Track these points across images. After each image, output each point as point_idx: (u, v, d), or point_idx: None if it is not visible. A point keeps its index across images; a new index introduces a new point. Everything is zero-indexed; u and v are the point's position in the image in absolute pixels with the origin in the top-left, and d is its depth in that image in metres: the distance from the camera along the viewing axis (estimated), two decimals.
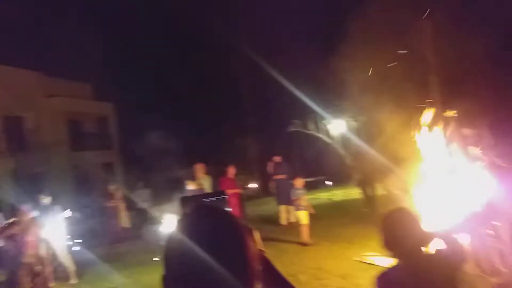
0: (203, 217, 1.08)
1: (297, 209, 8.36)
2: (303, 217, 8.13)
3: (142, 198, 12.30)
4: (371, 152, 10.49)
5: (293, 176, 9.34)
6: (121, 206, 11.45)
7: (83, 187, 18.50)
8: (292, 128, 16.06)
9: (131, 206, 11.80)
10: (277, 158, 10.78)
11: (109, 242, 11.18)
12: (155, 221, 9.44)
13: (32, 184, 16.11)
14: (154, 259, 7.50)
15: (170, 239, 1.03)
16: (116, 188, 11.80)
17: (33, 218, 6.32)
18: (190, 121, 21.45)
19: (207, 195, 7.67)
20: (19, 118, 17.90)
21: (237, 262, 1.01)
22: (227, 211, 1.15)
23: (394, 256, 2.23)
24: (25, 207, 6.32)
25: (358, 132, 15.17)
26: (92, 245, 11.37)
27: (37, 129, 18.16)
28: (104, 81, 22.08)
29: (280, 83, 14.27)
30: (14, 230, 5.90)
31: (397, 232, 2.20)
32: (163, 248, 1.04)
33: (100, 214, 12.46)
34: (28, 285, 5.87)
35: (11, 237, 5.84)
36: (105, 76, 22.12)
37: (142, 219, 11.60)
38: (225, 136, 19.71)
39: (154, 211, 10.69)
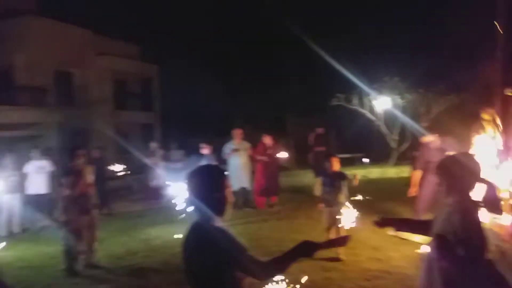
0: None
1: None
2: None
3: (175, 159, 12.61)
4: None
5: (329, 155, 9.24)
6: (160, 164, 11.78)
7: (123, 144, 19.11)
8: (335, 102, 15.78)
9: (168, 165, 12.12)
10: (320, 130, 10.71)
11: (146, 198, 11.62)
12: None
13: (74, 138, 16.87)
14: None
15: None
16: (157, 147, 12.13)
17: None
18: (232, 88, 21.51)
19: None
20: (68, 74, 18.61)
21: None
22: None
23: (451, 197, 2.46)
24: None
25: (404, 110, 14.76)
26: (130, 200, 11.94)
27: (84, 86, 18.85)
28: (151, 43, 22.41)
29: (324, 56, 13.94)
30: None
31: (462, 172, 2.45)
32: None
33: (138, 171, 12.93)
34: None
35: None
36: (152, 38, 22.43)
37: (175, 178, 11.94)
38: (265, 106, 19.67)
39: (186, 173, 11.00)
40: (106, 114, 19.06)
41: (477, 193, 2.50)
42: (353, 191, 6.13)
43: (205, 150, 9.34)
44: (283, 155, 9.61)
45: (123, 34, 21.13)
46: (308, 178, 12.73)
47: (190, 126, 19.39)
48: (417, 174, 6.61)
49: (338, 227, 5.65)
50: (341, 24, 18.85)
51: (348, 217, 5.36)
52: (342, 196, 5.82)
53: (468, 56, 12.17)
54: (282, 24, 18.06)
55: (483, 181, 2.52)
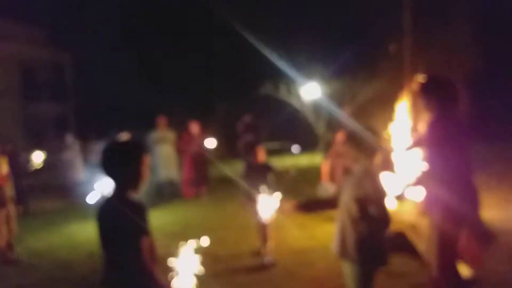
0: None
1: None
2: None
3: (95, 151, 12.42)
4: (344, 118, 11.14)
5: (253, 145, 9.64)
6: (78, 158, 11.58)
7: (34, 139, 18.30)
8: (263, 91, 16.43)
9: (87, 159, 11.91)
10: (249, 118, 11.11)
11: (64, 194, 11.35)
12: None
13: None
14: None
15: None
16: (73, 140, 11.89)
17: None
18: (155, 77, 21.34)
19: None
20: None
21: None
22: None
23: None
24: None
25: (330, 98, 15.79)
26: (46, 196, 11.60)
27: None
28: (62, 27, 21.51)
29: (252, 43, 14.40)
30: None
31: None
32: None
33: (54, 166, 12.56)
34: None
35: None
36: (64, 22, 21.55)
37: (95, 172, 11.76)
38: (192, 94, 19.86)
39: None
40: (13, 106, 18.09)
41: (377, 159, 3.11)
42: (283, 182, 6.18)
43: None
44: (211, 143, 9.91)
45: (30, 18, 20.08)
46: (238, 167, 13.21)
47: (109, 117, 19.02)
48: (326, 164, 7.79)
49: (265, 224, 5.50)
50: (268, 11, 19.50)
51: (268, 206, 5.26)
52: (268, 189, 5.45)
53: (386, 44, 13.24)
54: (209, 11, 18.29)
55: (380, 148, 3.15)
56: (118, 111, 19.99)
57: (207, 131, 10.39)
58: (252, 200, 5.48)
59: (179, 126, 10.77)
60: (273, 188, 5.49)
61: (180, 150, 9.95)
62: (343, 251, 3.12)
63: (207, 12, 20.09)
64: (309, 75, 15.72)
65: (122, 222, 2.24)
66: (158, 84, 21.24)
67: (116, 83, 19.26)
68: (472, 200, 3.42)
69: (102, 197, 2.60)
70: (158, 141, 9.93)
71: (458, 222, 3.36)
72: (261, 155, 5.78)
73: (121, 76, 19.58)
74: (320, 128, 17.21)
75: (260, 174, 5.62)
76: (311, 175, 11.92)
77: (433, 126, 3.42)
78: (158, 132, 10.01)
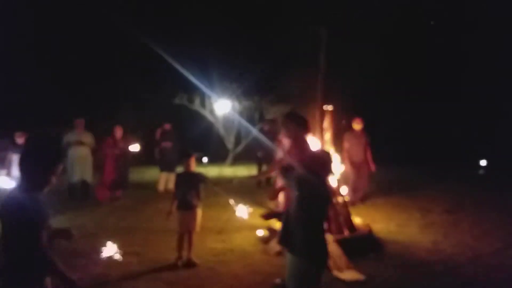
0: None
1: None
2: None
3: None
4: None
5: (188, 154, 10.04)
6: None
7: None
8: (177, 101, 16.92)
9: None
10: (167, 126, 11.61)
11: None
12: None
13: None
14: None
15: None
16: None
17: None
18: (65, 81, 20.43)
19: None
20: None
21: None
22: None
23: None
24: None
25: (240, 114, 16.87)
26: None
27: None
28: None
29: (164, 56, 14.66)
30: None
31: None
32: None
33: None
34: None
35: None
36: None
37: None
38: (102, 101, 19.43)
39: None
40: None
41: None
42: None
43: (20, 139, 9.26)
44: (135, 148, 10.21)
45: None
46: (152, 173, 13.52)
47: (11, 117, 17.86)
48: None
49: (191, 232, 5.94)
50: (185, 24, 19.92)
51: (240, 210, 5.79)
52: (198, 198, 5.91)
53: (297, 71, 14.47)
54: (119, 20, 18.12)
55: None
56: (19, 109, 18.88)
57: (130, 136, 10.67)
58: (183, 209, 5.84)
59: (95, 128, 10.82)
60: (201, 199, 5.91)
61: (103, 153, 10.08)
62: (290, 245, 3.63)
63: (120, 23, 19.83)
64: (222, 92, 16.58)
65: (24, 216, 2.45)
66: (65, 87, 20.41)
67: (22, 84, 18.15)
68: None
69: (5, 193, 2.75)
70: (74, 142, 9.95)
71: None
72: (194, 165, 5.98)
73: (20, 73, 18.47)
74: (230, 142, 18.13)
75: (192, 183, 5.86)
76: (220, 185, 12.63)
77: (295, 144, 5.09)
78: (75, 134, 10.04)
